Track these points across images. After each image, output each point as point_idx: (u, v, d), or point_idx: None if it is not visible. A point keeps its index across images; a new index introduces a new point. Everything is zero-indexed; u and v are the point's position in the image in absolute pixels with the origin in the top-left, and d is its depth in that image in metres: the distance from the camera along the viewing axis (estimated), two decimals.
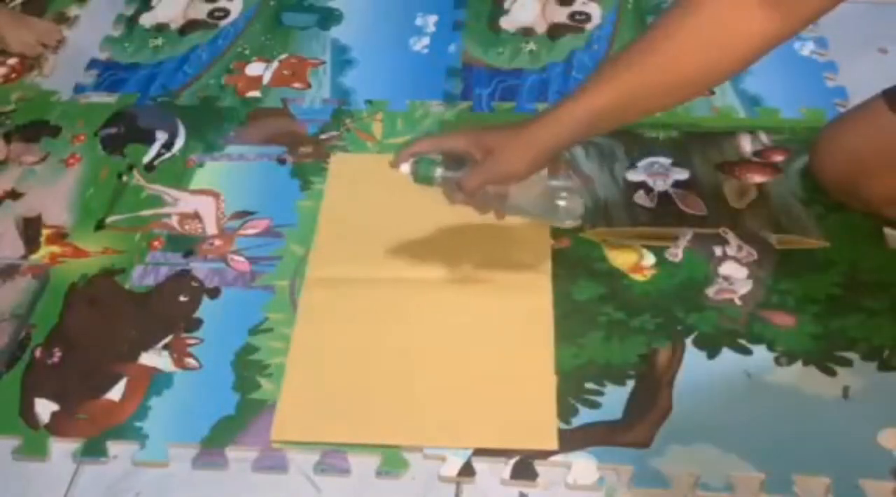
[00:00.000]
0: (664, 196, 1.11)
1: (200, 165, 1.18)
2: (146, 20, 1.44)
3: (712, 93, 1.25)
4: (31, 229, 1.11)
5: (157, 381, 0.94)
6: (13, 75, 1.35)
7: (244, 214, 1.11)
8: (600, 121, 0.83)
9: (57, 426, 0.91)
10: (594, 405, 0.91)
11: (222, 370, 0.95)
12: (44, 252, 1.08)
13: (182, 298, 1.02)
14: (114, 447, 0.90)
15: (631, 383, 0.93)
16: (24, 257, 1.07)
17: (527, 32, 1.39)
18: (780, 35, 0.78)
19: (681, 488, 0.85)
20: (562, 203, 0.90)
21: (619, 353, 0.95)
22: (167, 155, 1.20)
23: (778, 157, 1.15)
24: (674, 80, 0.81)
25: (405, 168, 0.88)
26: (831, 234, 1.06)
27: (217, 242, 1.08)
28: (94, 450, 0.89)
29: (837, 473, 0.85)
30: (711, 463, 0.86)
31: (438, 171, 0.88)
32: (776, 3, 0.76)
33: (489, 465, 0.87)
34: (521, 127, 0.85)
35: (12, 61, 1.37)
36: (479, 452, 0.88)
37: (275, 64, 1.34)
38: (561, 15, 1.42)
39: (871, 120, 1.02)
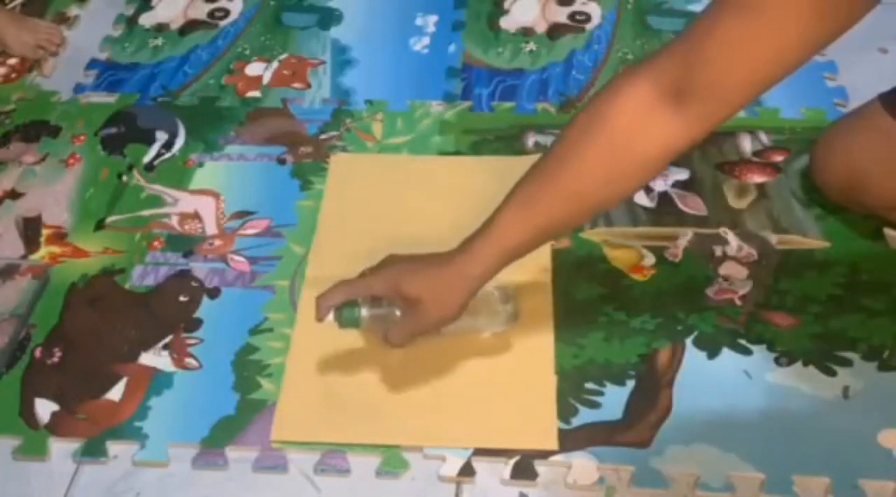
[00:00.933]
0: (664, 196, 1.11)
1: (200, 165, 1.18)
2: (146, 20, 1.45)
3: None
4: (31, 229, 1.11)
5: (157, 381, 0.94)
6: (13, 75, 1.35)
7: (244, 214, 1.11)
8: (517, 254, 0.83)
9: (57, 426, 0.91)
10: (594, 405, 0.91)
11: (222, 370, 0.95)
12: (44, 252, 1.08)
13: (182, 298, 1.02)
14: (114, 447, 0.90)
15: (631, 383, 0.93)
16: (24, 257, 1.07)
17: (527, 32, 1.39)
18: (686, 148, 0.74)
19: (681, 488, 0.85)
20: (505, 308, 0.93)
21: (619, 353, 0.95)
22: (167, 155, 1.20)
23: (778, 157, 1.15)
24: (583, 211, 0.80)
25: (329, 319, 0.86)
26: (831, 234, 1.06)
27: (217, 242, 1.08)
28: (94, 450, 0.89)
29: (837, 473, 0.85)
30: (711, 463, 0.86)
31: (364, 313, 0.87)
32: (684, 112, 0.71)
33: (489, 465, 0.87)
34: (440, 271, 0.83)
35: (12, 61, 1.37)
36: (479, 452, 0.88)
37: (275, 64, 1.35)
38: (561, 15, 1.42)
39: (868, 125, 1.01)
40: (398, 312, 0.86)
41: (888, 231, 1.05)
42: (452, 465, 0.87)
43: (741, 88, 0.71)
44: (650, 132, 0.73)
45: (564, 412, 0.90)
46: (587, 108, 0.77)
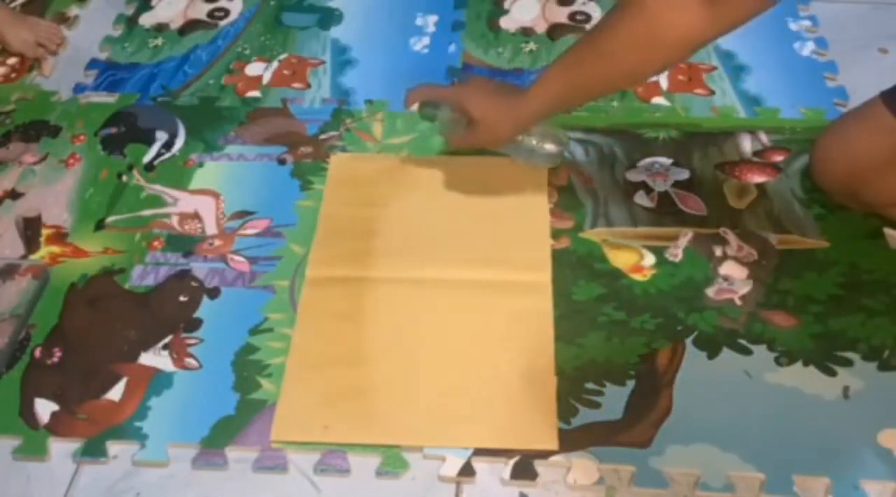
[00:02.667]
0: (664, 196, 1.11)
1: (200, 165, 1.18)
2: (146, 20, 1.45)
3: (712, 92, 1.25)
4: (31, 229, 1.11)
5: (157, 381, 0.94)
6: (13, 75, 1.35)
7: (244, 214, 1.11)
8: (562, 102, 0.98)
9: (57, 426, 0.91)
10: (594, 405, 0.91)
11: (222, 370, 0.95)
12: (44, 252, 1.08)
13: (182, 298, 1.02)
14: (114, 447, 0.90)
15: (631, 383, 0.93)
16: (24, 257, 1.07)
17: (527, 32, 1.39)
18: (710, 37, 0.85)
19: (681, 488, 0.85)
20: (546, 146, 1.06)
21: (619, 353, 0.95)
22: (167, 155, 1.20)
23: (778, 157, 1.15)
24: (614, 74, 0.91)
25: (415, 107, 1.09)
26: (831, 234, 1.06)
27: (217, 242, 1.08)
28: (94, 450, 0.89)
29: (837, 473, 0.85)
30: (711, 463, 0.86)
31: (440, 113, 1.06)
32: (712, 5, 0.80)
33: (489, 465, 0.87)
34: (498, 105, 1.00)
35: (12, 61, 1.37)
36: (479, 452, 0.88)
37: (275, 64, 1.34)
38: (561, 15, 1.42)
39: (869, 123, 1.01)
40: (465, 123, 1.03)
41: (888, 231, 1.05)
42: (452, 465, 0.87)
43: None
44: (676, 14, 0.82)
45: (564, 412, 0.90)
46: None
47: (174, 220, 1.11)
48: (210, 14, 1.45)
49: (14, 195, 1.15)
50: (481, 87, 1.05)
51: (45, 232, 1.10)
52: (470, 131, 1.02)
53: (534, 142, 1.05)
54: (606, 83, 0.95)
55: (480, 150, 1.08)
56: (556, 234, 1.06)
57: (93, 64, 1.36)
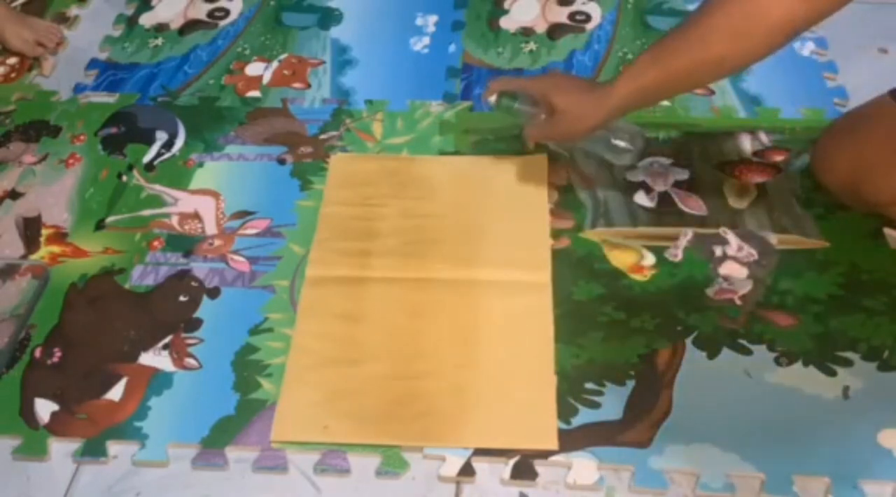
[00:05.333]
0: (664, 196, 1.11)
1: (200, 165, 1.18)
2: (146, 20, 1.45)
3: (712, 92, 1.25)
4: (31, 229, 1.11)
5: (157, 381, 0.95)
6: (13, 75, 1.35)
7: (244, 214, 1.11)
8: (651, 95, 0.95)
9: (57, 426, 0.91)
10: (594, 405, 0.91)
11: (222, 370, 0.95)
12: (44, 252, 1.08)
13: (182, 298, 1.02)
14: (114, 447, 0.90)
15: (631, 383, 0.93)
16: (24, 257, 1.07)
17: (527, 32, 1.39)
18: (808, 22, 0.84)
19: (681, 488, 0.85)
20: (619, 143, 1.05)
21: (619, 353, 0.95)
22: (167, 155, 1.20)
23: (778, 157, 1.15)
24: (708, 63, 0.89)
25: (492, 99, 1.07)
26: (831, 233, 1.06)
27: (217, 242, 1.08)
28: (94, 450, 0.90)
29: (837, 473, 0.85)
30: (711, 463, 0.86)
31: (517, 105, 1.05)
32: None
33: (489, 465, 0.87)
34: (583, 97, 0.98)
35: (12, 61, 1.37)
36: (479, 452, 0.88)
37: (275, 64, 1.35)
38: (561, 15, 1.42)
39: (877, 120, 1.00)
40: (543, 117, 1.02)
41: (888, 231, 1.05)
42: (452, 465, 0.87)
43: None
44: (768, 10, 0.83)
45: (564, 412, 0.90)
46: None
47: (174, 220, 1.11)
48: (210, 14, 1.45)
49: (14, 195, 1.15)
50: (565, 80, 1.04)
51: (45, 232, 1.10)
52: (551, 123, 1.01)
53: (609, 137, 1.04)
54: (699, 74, 0.93)
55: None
56: (556, 234, 1.06)
57: (93, 64, 1.36)
